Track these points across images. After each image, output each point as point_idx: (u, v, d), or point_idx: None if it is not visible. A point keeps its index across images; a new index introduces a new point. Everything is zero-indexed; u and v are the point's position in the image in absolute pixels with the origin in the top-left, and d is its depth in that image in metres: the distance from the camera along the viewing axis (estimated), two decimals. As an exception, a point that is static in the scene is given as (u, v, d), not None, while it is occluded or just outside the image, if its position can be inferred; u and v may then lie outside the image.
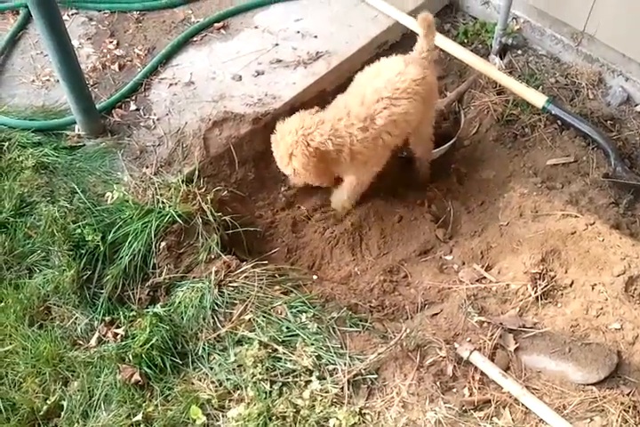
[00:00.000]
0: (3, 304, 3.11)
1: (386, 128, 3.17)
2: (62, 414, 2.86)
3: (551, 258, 3.19)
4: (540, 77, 3.98)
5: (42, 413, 2.84)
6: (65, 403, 2.87)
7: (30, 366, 2.95)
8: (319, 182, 3.32)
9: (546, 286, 3.09)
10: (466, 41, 4.21)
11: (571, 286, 3.11)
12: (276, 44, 3.97)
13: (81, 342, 3.03)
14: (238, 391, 2.83)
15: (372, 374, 2.84)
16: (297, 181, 3.55)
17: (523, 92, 3.76)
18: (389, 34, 4.09)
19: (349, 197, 3.53)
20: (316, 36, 4.01)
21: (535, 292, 3.07)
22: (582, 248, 3.20)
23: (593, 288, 3.07)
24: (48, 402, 2.86)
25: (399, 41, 4.15)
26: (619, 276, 3.07)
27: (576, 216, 3.33)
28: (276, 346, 2.90)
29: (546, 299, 3.08)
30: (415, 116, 3.26)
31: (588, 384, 2.81)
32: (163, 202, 3.21)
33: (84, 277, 3.09)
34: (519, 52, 4.15)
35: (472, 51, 4.00)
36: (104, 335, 3.01)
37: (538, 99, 3.71)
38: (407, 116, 3.20)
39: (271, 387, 2.81)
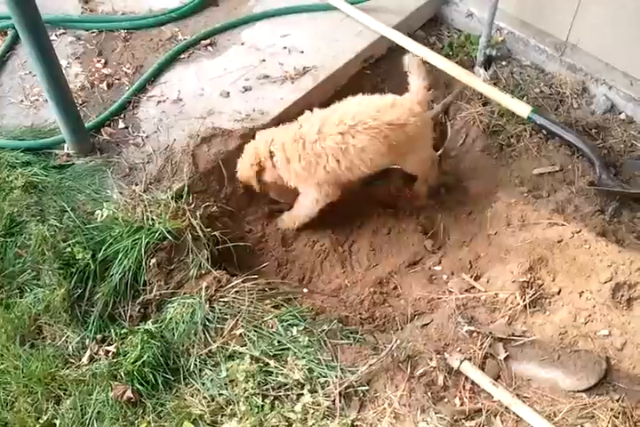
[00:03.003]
0: (-6, 324, 3.13)
1: (333, 152, 3.21)
2: (55, 432, 2.88)
3: (539, 266, 3.22)
4: (525, 88, 4.02)
5: (35, 432, 2.86)
6: (58, 421, 2.88)
7: (22, 385, 2.96)
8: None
9: (534, 295, 3.12)
10: (451, 53, 4.26)
11: (558, 293, 3.14)
12: (263, 60, 4.02)
13: (73, 361, 3.04)
14: (231, 406, 2.84)
15: (364, 385, 2.85)
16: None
17: (507, 103, 3.80)
18: (375, 48, 4.14)
19: (299, 217, 3.56)
20: (302, 52, 4.06)
21: (524, 300, 3.10)
22: (569, 256, 3.22)
23: (580, 296, 3.10)
24: (40, 421, 2.87)
25: (385, 54, 4.21)
26: (606, 283, 3.10)
27: (562, 224, 3.37)
28: (267, 360, 2.91)
29: (534, 307, 3.10)
30: (374, 158, 3.26)
31: (577, 391, 2.83)
32: (152, 219, 3.23)
33: (75, 296, 3.10)
34: (504, 62, 4.19)
35: (457, 63, 4.04)
36: (96, 353, 3.02)
37: (522, 109, 3.75)
38: (363, 154, 3.23)
39: (263, 401, 2.83)
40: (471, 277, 3.34)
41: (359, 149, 3.20)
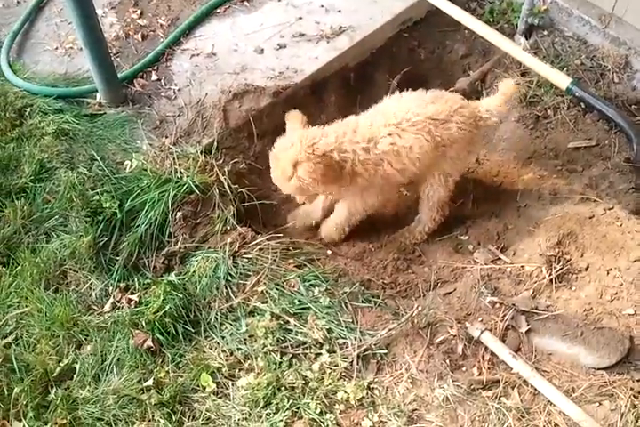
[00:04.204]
0: (20, 267, 3.15)
1: (387, 157, 2.99)
2: (75, 376, 2.91)
3: (567, 241, 3.16)
4: (566, 59, 3.91)
5: (55, 374, 2.89)
6: (77, 366, 2.92)
7: (45, 328, 2.99)
8: (327, 190, 3.08)
9: (561, 269, 3.07)
10: (491, 20, 4.15)
11: (586, 269, 3.08)
12: (300, 18, 3.95)
13: (95, 307, 3.07)
14: (249, 361, 2.86)
15: (382, 349, 2.86)
16: (300, 198, 3.21)
17: (547, 74, 3.70)
18: (414, 10, 4.05)
19: (338, 226, 3.38)
20: (339, 11, 3.98)
21: (550, 274, 3.05)
22: (599, 232, 3.16)
23: (608, 273, 3.04)
24: (61, 364, 2.91)
25: (424, 18, 4.12)
26: (635, 261, 3.04)
27: (595, 200, 3.30)
28: (287, 318, 2.92)
29: (560, 282, 3.05)
30: (421, 157, 3.00)
31: (598, 369, 2.80)
32: (181, 172, 3.23)
33: (101, 244, 3.12)
34: (545, 32, 4.07)
35: (497, 30, 3.92)
36: (118, 301, 3.05)
37: (562, 80, 3.65)
38: (411, 153, 2.99)
39: (281, 358, 2.84)
40: (497, 248, 3.29)
41: (407, 149, 2.99)
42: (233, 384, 2.81)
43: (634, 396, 2.69)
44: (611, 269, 3.04)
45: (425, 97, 3.06)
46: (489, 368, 2.81)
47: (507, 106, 3.15)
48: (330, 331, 2.89)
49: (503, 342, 2.86)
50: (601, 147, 3.58)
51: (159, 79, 3.69)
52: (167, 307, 2.92)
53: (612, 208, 3.25)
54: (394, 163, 3.01)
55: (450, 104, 3.03)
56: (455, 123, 3.01)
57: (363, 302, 3.00)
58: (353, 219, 3.35)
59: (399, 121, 2.96)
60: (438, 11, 3.97)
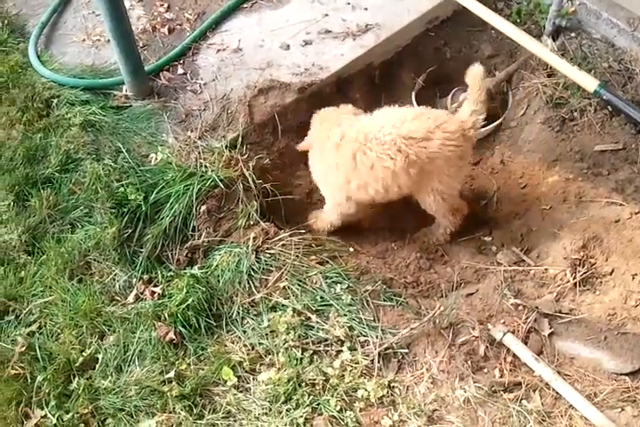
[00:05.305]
0: (45, 257, 3.18)
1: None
2: (97, 366, 2.93)
3: (592, 245, 3.13)
4: (593, 61, 3.87)
5: (77, 364, 2.91)
6: (100, 356, 2.94)
7: (68, 318, 3.01)
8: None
9: (585, 273, 3.04)
10: (519, 21, 4.11)
11: (611, 274, 3.06)
12: (326, 15, 3.94)
13: (119, 298, 3.09)
14: (270, 356, 2.86)
15: (403, 348, 2.85)
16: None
17: (574, 76, 3.66)
18: (440, 9, 4.02)
19: (330, 216, 3.40)
20: (366, 9, 3.96)
21: (574, 278, 3.03)
22: (625, 237, 3.13)
23: (633, 278, 3.01)
24: (84, 354, 2.93)
25: (450, 17, 4.09)
26: (660, 267, 3.02)
27: (621, 204, 3.27)
28: (309, 314, 2.92)
29: (584, 286, 3.03)
30: (385, 177, 3.00)
31: (621, 374, 2.77)
32: (205, 166, 3.23)
33: (125, 236, 3.14)
34: (573, 34, 4.03)
35: (524, 31, 3.89)
36: (141, 293, 3.06)
37: (589, 83, 3.61)
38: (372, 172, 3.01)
39: (302, 354, 2.84)
40: (521, 250, 3.28)
41: (368, 167, 2.99)
42: (254, 379, 2.82)
43: (657, 402, 2.67)
44: (636, 275, 3.02)
45: (406, 114, 3.04)
46: (511, 370, 2.79)
47: (482, 92, 3.12)
48: (351, 328, 2.88)
49: (525, 344, 2.84)
50: (627, 150, 3.54)
51: (185, 73, 3.69)
52: (190, 300, 2.93)
53: (638, 212, 3.21)
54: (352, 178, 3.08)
55: (431, 121, 2.98)
56: (437, 140, 2.96)
57: (384, 300, 2.99)
58: (332, 216, 3.37)
59: (367, 139, 2.97)
60: (465, 10, 3.93)
